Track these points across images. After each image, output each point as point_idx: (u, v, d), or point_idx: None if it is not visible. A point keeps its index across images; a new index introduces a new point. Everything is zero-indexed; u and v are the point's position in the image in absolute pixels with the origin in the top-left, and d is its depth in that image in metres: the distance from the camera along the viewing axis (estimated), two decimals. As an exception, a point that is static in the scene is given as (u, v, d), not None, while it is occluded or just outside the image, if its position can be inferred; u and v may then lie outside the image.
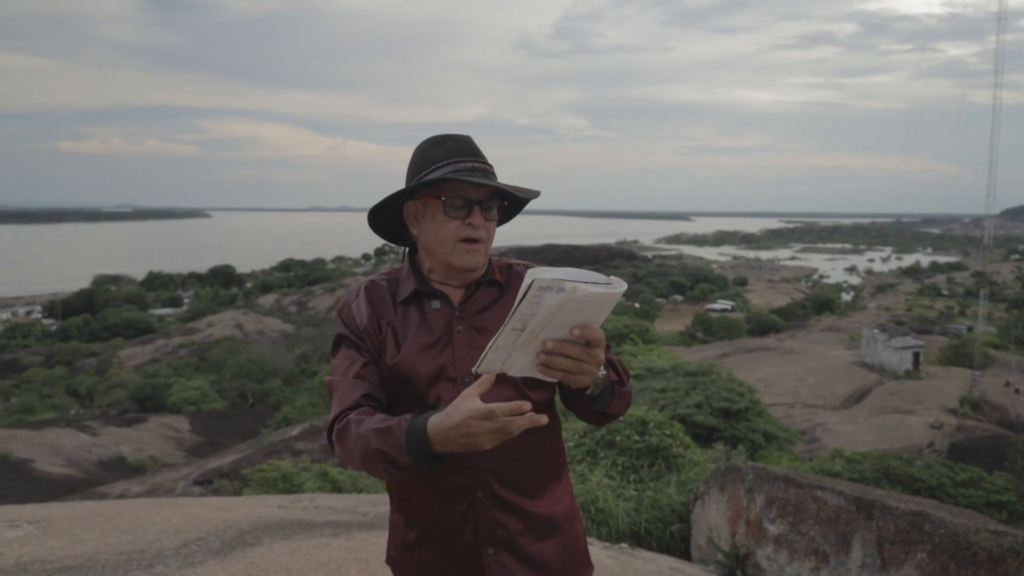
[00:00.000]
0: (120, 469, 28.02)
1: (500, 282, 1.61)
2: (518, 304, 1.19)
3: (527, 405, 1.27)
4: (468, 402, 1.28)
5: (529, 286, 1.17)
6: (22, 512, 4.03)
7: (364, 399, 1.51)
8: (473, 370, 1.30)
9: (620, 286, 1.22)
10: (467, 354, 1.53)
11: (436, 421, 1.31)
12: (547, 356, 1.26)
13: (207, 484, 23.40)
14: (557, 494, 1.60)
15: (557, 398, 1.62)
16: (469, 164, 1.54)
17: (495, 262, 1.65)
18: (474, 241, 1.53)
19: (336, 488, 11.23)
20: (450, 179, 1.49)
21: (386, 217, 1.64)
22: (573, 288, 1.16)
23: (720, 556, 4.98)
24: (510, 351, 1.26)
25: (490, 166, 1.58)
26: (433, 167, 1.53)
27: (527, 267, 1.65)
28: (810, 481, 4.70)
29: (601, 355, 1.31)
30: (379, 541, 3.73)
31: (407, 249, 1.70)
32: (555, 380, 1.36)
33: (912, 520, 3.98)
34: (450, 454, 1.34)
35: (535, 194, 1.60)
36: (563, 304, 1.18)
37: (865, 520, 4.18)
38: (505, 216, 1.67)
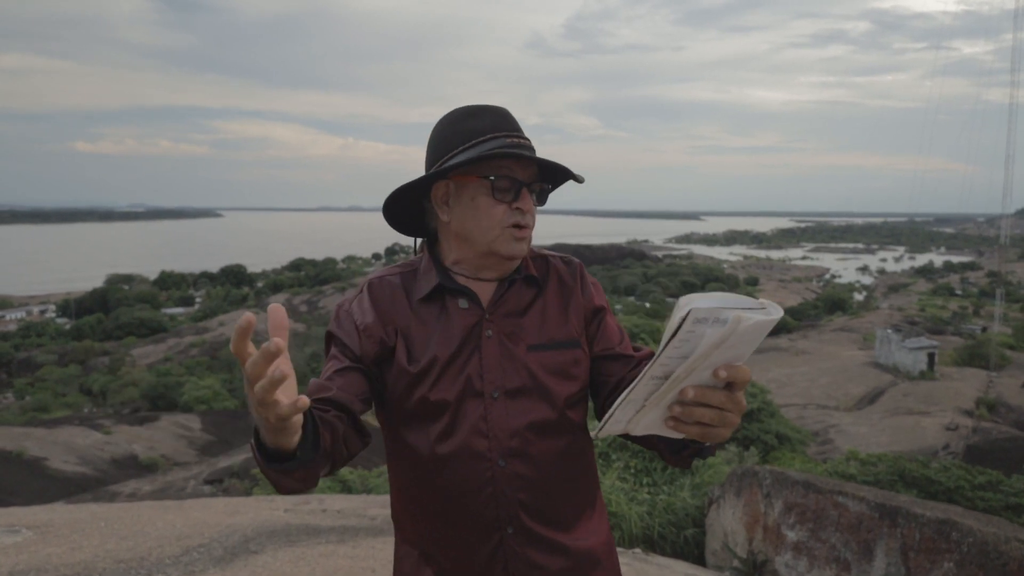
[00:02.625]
0: (132, 467, 28.14)
1: (537, 279, 1.39)
2: (665, 344, 0.90)
3: (275, 347, 0.85)
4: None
5: (683, 319, 0.88)
6: (23, 516, 3.96)
7: (315, 403, 1.24)
8: (593, 435, 1.05)
9: (776, 311, 0.92)
10: (497, 364, 1.30)
11: None
12: (683, 408, 0.96)
13: (218, 483, 23.46)
14: (593, 524, 1.38)
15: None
16: (515, 140, 1.30)
17: (528, 253, 1.41)
18: (522, 227, 1.31)
19: (346, 488, 11.16)
20: (500, 154, 1.26)
21: (402, 204, 1.40)
22: (737, 318, 0.87)
23: (736, 562, 4.86)
24: (641, 405, 0.97)
25: (531, 143, 1.35)
26: (473, 141, 1.29)
27: (565, 260, 1.45)
28: (830, 486, 4.56)
29: (744, 401, 1.00)
30: (387, 548, 3.62)
31: (423, 240, 1.46)
32: (683, 436, 1.03)
33: (938, 528, 3.84)
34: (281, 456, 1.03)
35: (582, 179, 1.38)
36: (723, 340, 0.89)
37: (889, 527, 4.04)
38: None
